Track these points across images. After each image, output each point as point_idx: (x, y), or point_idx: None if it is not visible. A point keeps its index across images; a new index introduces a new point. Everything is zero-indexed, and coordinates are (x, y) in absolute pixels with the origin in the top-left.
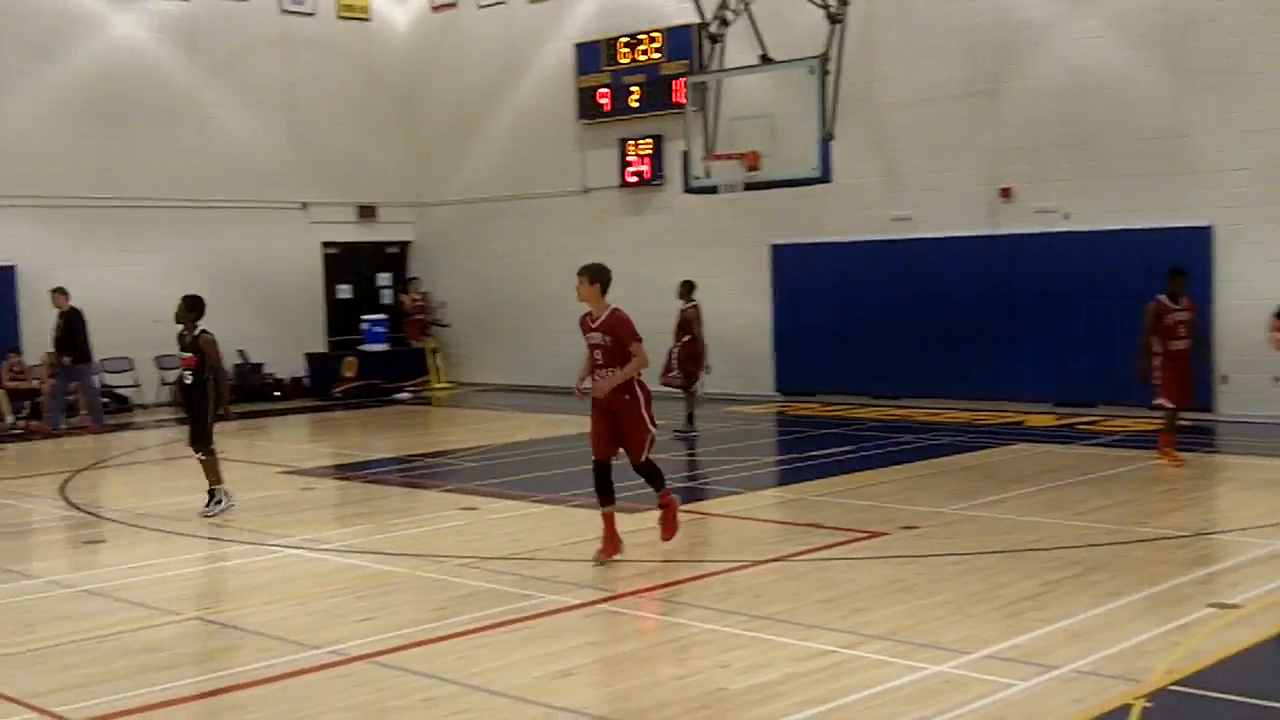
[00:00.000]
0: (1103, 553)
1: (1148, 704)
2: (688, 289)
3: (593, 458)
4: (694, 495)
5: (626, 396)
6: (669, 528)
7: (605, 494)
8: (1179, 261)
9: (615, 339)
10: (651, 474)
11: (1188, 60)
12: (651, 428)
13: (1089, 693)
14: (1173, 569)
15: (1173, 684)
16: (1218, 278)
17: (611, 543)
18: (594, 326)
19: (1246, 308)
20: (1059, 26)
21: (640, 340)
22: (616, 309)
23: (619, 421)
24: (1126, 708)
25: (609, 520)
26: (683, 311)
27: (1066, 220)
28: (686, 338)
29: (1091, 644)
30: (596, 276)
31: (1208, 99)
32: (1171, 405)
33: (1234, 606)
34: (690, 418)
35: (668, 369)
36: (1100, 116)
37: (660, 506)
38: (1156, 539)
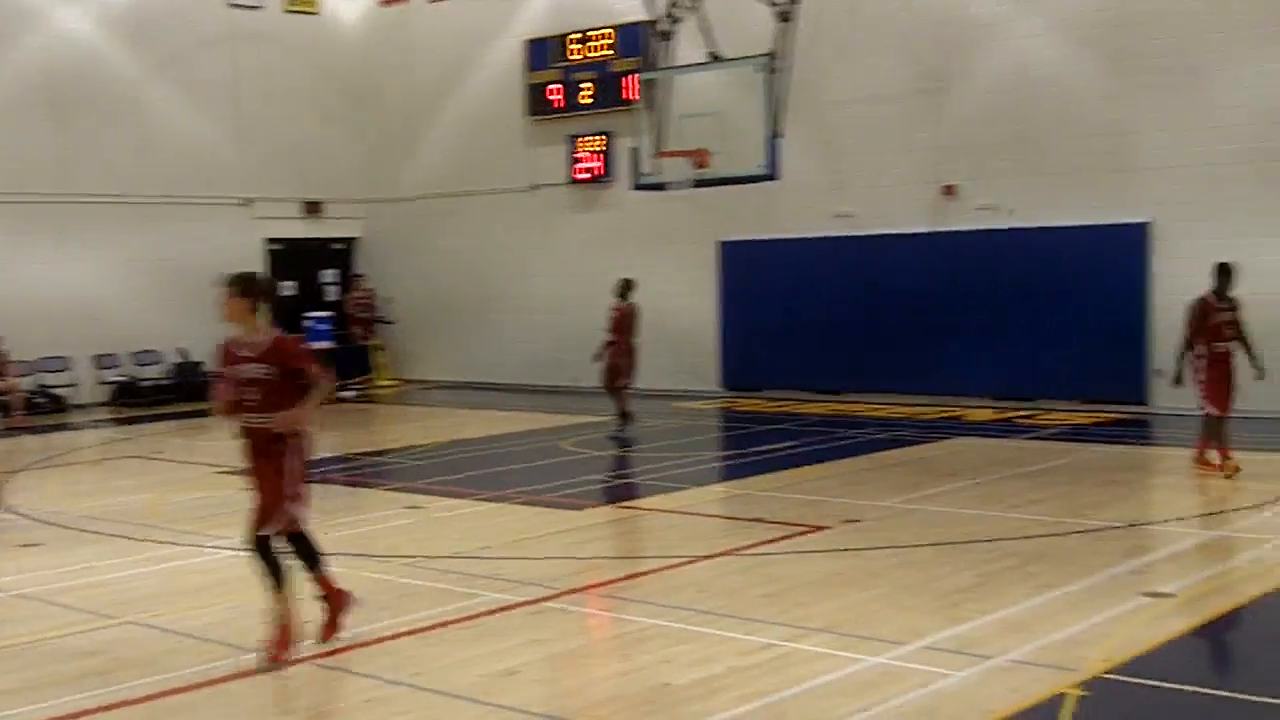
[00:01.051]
0: (1039, 544)
1: (1083, 692)
2: (626, 287)
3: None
4: (638, 491)
5: (291, 439)
6: (330, 625)
7: (274, 570)
8: (1118, 257)
9: (285, 370)
10: (299, 550)
11: (1129, 58)
12: (291, 494)
13: (1025, 682)
14: (1108, 560)
15: (1107, 672)
16: (1155, 274)
17: (283, 640)
18: (251, 357)
19: (1183, 304)
20: (1003, 25)
21: (319, 363)
22: (281, 334)
23: (263, 469)
24: (1062, 696)
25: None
26: (618, 309)
27: (1010, 216)
28: (628, 338)
29: (1028, 634)
30: (248, 289)
31: (1148, 97)
32: (1218, 413)
33: (1168, 596)
34: (624, 416)
35: (615, 375)
36: (1043, 114)
37: (321, 597)
38: (1092, 531)
